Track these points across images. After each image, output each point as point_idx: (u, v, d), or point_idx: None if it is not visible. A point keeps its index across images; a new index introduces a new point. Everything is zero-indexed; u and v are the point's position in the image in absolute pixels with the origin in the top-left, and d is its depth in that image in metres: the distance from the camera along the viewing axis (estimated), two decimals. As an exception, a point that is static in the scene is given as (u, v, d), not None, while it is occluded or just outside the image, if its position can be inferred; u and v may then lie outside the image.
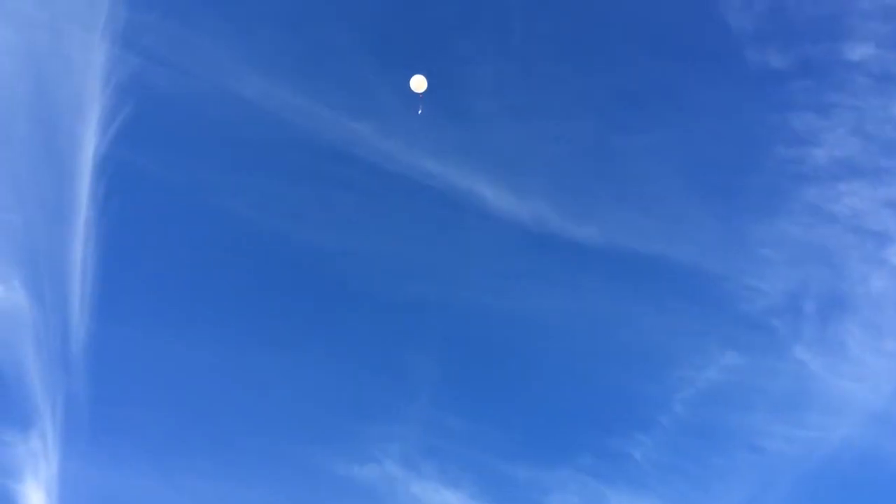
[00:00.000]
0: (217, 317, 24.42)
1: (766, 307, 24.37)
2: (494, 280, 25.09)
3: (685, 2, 24.60)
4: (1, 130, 22.30)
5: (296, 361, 24.67)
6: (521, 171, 25.16)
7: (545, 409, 24.95)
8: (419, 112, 19.63)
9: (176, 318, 24.13)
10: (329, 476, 23.98)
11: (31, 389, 22.69)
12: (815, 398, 24.06)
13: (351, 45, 24.47)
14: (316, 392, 24.62)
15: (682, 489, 24.10)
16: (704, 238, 24.82)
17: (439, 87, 24.77)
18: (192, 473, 23.53)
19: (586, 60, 24.87)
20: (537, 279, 25.10)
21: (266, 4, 24.27)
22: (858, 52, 23.48)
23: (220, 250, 24.41)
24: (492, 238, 25.08)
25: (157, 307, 24.07)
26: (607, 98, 25.06)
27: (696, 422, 24.34)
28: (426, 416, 24.42)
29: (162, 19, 23.33)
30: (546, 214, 24.91)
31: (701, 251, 24.75)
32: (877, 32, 23.39)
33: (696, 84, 24.72)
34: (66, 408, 22.95)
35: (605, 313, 25.00)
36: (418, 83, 18.48)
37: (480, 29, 24.63)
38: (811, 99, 24.01)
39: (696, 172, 24.91)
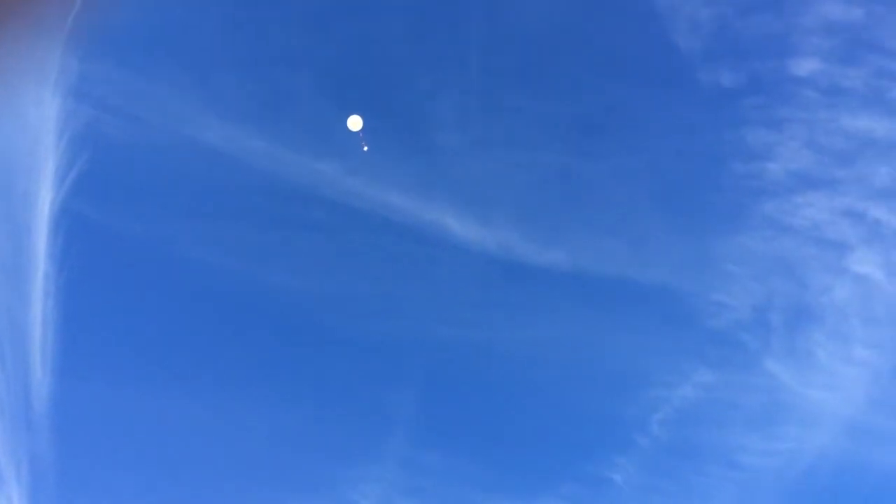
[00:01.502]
0: (183, 367, 24.02)
1: (734, 322, 24.68)
2: (464, 312, 25.09)
3: (635, 27, 25.11)
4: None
5: (267, 407, 24.32)
6: (487, 201, 25.35)
7: (523, 439, 24.87)
8: (364, 149, 20.55)
9: (141, 372, 23.70)
10: (308, 523, 23.55)
11: (-5, 453, 22.07)
12: (788, 410, 24.34)
13: (310, 85, 24.57)
14: (290, 437, 24.27)
15: (665, 510, 24.10)
16: (670, 257, 25.14)
17: (401, 123, 25.08)
18: (166, 529, 22.96)
19: (544, 90, 25.25)
20: (508, 308, 25.17)
21: (222, 50, 24.28)
22: (805, 67, 24.13)
23: (185, 299, 24.11)
24: (460, 270, 25.13)
25: (120, 362, 23.63)
26: (567, 126, 25.43)
27: (674, 441, 24.44)
28: (404, 455, 24.18)
29: (115, 69, 23.21)
30: (513, 243, 25.08)
31: (667, 270, 25.06)
32: (821, 47, 24.08)
33: (652, 107, 25.21)
34: (32, 469, 22.32)
35: (577, 338, 25.11)
36: (354, 122, 19.33)
37: (439, 64, 24.94)
38: (763, 115, 24.58)
39: (658, 193, 25.30)
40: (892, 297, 24.15)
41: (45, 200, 22.53)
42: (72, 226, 22.81)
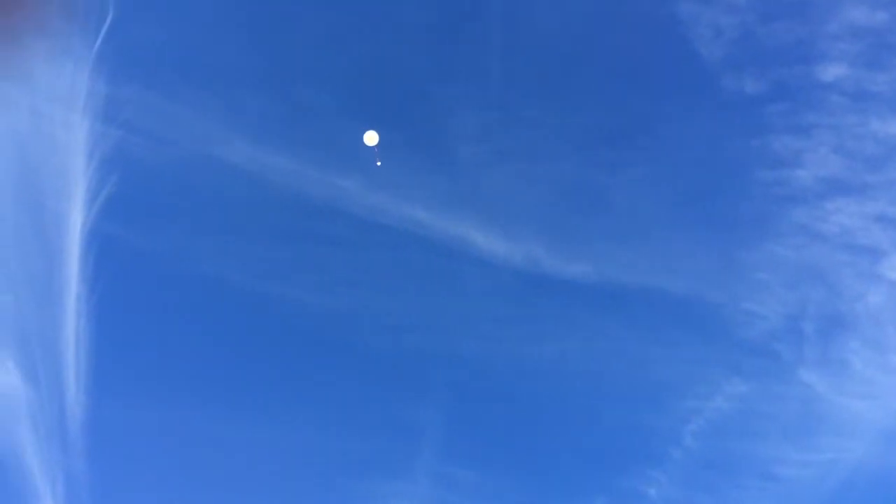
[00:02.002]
0: (214, 384, 24.15)
1: (767, 331, 24.30)
2: (491, 326, 24.97)
3: (657, 36, 25.03)
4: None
5: (297, 424, 24.28)
6: (511, 214, 25.29)
7: (554, 453, 24.58)
8: (378, 164, 21.22)
9: (172, 389, 23.83)
10: (339, 540, 23.48)
11: (30, 470, 22.30)
12: (824, 420, 23.83)
13: (331, 102, 24.78)
14: (319, 454, 24.24)
15: (700, 524, 23.67)
16: (698, 267, 24.85)
17: (422, 137, 25.18)
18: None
19: (565, 101, 25.23)
20: (535, 321, 25.00)
21: (244, 70, 24.59)
22: (831, 72, 23.88)
23: (214, 317, 24.29)
24: (486, 283, 25.04)
25: (152, 379, 23.78)
26: (590, 136, 25.35)
27: (709, 453, 24.02)
28: (434, 470, 24.00)
29: (142, 92, 23.59)
30: (538, 255, 24.94)
31: (695, 280, 24.76)
32: (848, 52, 23.83)
33: (675, 116, 25.06)
34: (67, 487, 22.53)
35: (606, 350, 24.85)
36: (370, 138, 19.64)
37: (459, 78, 25.01)
38: (789, 121, 24.33)
39: (683, 203, 25.08)
40: (928, 303, 23.68)
41: (76, 222, 22.94)
42: (102, 246, 23.19)
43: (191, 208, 24.15)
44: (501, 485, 24.09)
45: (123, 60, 23.22)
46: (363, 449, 24.26)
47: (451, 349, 24.82)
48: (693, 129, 24.91)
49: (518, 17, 24.75)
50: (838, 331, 24.03)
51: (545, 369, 24.76)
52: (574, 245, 25.16)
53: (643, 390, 24.50)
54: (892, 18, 23.58)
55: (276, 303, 24.51)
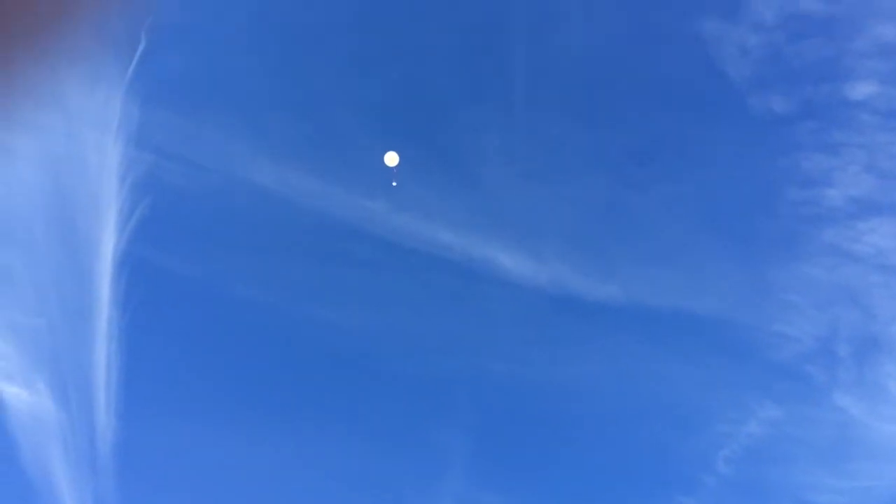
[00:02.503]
0: (244, 405, 24.21)
1: (799, 354, 23.91)
2: (519, 348, 24.84)
3: (683, 55, 24.96)
4: (23, 237, 22.66)
5: (326, 445, 24.29)
6: (537, 235, 25.21)
7: (583, 477, 24.28)
8: (394, 184, 21.49)
9: (202, 411, 23.94)
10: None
11: (60, 493, 22.40)
12: (859, 445, 23.34)
13: (359, 124, 24.97)
14: (349, 475, 24.15)
15: (734, 552, 23.21)
16: (727, 288, 24.56)
17: (448, 159, 25.23)
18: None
19: (592, 121, 25.20)
20: (563, 343, 24.84)
21: (272, 94, 24.90)
22: (861, 90, 23.60)
23: (243, 339, 24.39)
24: (513, 305, 24.94)
25: (182, 401, 23.91)
26: (616, 156, 25.27)
27: (742, 479, 23.60)
28: (460, 493, 23.81)
29: (173, 116, 23.94)
30: (566, 277, 24.82)
31: (725, 301, 24.46)
32: (878, 70, 23.56)
33: (702, 135, 24.91)
34: (97, 510, 22.63)
35: (635, 373, 24.58)
36: (391, 158, 19.76)
37: (484, 99, 25.09)
38: (818, 140, 24.05)
39: (712, 223, 24.87)
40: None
41: (108, 245, 23.21)
42: (134, 269, 23.43)
43: (220, 231, 24.42)
44: (530, 509, 23.89)
45: (155, 86, 23.61)
46: (390, 470, 24.19)
47: (477, 371, 24.76)
48: (721, 148, 24.78)
49: (542, 38, 24.81)
50: (873, 353, 23.63)
51: (573, 392, 24.59)
52: (601, 266, 25.04)
53: (673, 414, 24.23)
54: (922, 36, 23.31)
55: (304, 324, 24.64)
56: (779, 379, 23.88)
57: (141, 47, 23.37)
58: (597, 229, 25.32)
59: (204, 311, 24.24)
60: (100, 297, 23.03)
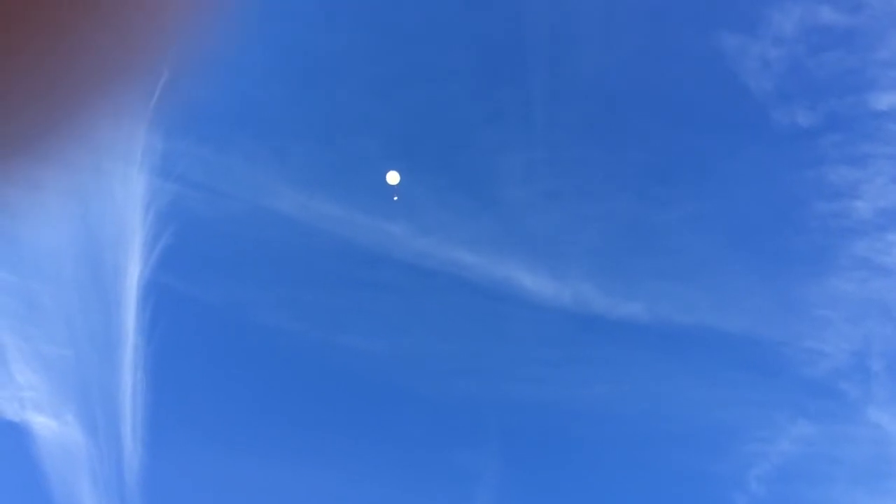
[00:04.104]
0: (270, 432, 24.20)
1: (832, 370, 23.39)
2: (543, 368, 24.60)
3: (704, 71, 24.77)
4: (50, 269, 22.98)
5: (353, 471, 24.17)
6: (560, 254, 25.04)
7: (612, 499, 23.90)
8: (395, 199, 22.13)
9: (228, 439, 23.96)
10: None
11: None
12: (897, 463, 22.73)
13: (380, 149, 25.06)
14: (375, 500, 24.00)
15: (770, 575, 22.63)
16: (755, 304, 24.17)
17: (469, 180, 25.22)
18: None
19: (613, 140, 25.06)
20: (587, 363, 24.57)
21: (292, 121, 25.09)
22: (885, 100, 23.25)
23: (268, 365, 24.45)
24: (537, 325, 24.73)
25: (208, 429, 23.97)
26: (638, 174, 25.08)
27: (775, 499, 23.07)
28: (489, 517, 23.54)
29: (196, 146, 24.21)
30: (588, 296, 24.60)
31: (753, 318, 24.06)
32: (901, 80, 23.20)
33: (725, 150, 24.67)
34: (125, 539, 22.65)
35: (662, 392, 24.21)
36: (393, 177, 20.36)
37: (504, 120, 25.10)
38: (844, 152, 23.68)
39: (737, 239, 24.53)
40: None
41: (133, 274, 23.42)
42: (159, 298, 23.60)
43: (244, 258, 24.56)
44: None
45: (178, 116, 23.91)
46: (416, 494, 23.99)
47: (502, 392, 24.55)
48: (745, 163, 24.50)
49: (562, 57, 24.79)
50: (908, 368, 23.06)
51: (599, 413, 24.28)
52: (625, 284, 24.78)
53: (703, 434, 23.81)
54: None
55: (328, 350, 24.65)
56: (811, 396, 23.44)
57: (164, 78, 23.75)
58: (620, 248, 25.13)
59: (228, 338, 24.40)
60: (126, 327, 23.25)
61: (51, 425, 22.62)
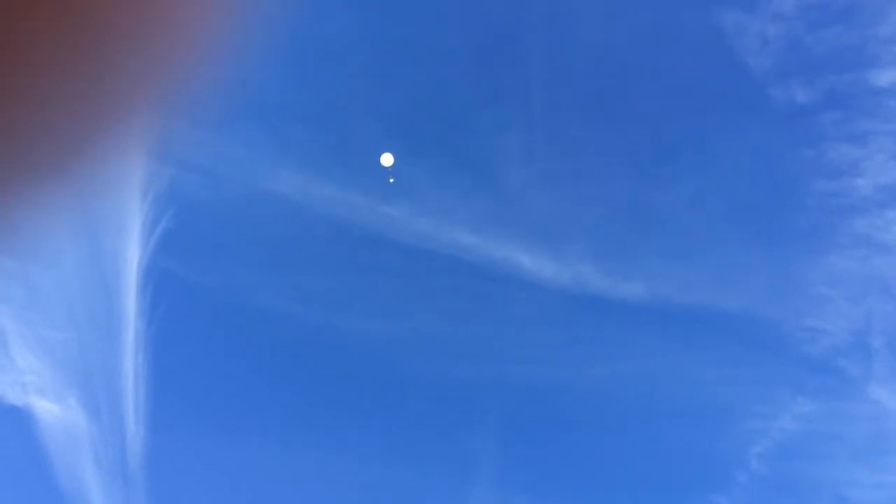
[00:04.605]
0: (272, 416, 24.31)
1: (831, 347, 23.41)
2: (543, 349, 24.65)
3: (702, 49, 24.64)
4: (50, 255, 22.97)
5: (352, 453, 24.30)
6: (559, 235, 25.02)
7: (613, 479, 24.02)
8: (391, 181, 22.13)
9: (230, 422, 24.08)
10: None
11: (93, 505, 22.68)
12: (897, 439, 22.79)
13: (377, 131, 24.97)
14: (375, 483, 24.13)
15: (770, 551, 22.77)
16: (755, 283, 24.17)
17: (467, 162, 25.18)
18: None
19: (611, 119, 24.98)
20: (587, 343, 24.61)
21: (292, 105, 25.01)
22: (886, 77, 23.10)
23: (268, 348, 24.53)
24: (536, 306, 24.77)
25: (210, 412, 24.08)
26: (637, 154, 25.00)
27: (776, 476, 23.16)
28: (488, 497, 23.68)
29: (192, 129, 24.11)
30: (588, 276, 24.59)
31: (753, 297, 24.06)
32: (901, 56, 23.05)
33: (724, 129, 24.58)
34: (128, 522, 22.84)
35: (662, 372, 24.28)
36: (387, 159, 20.38)
37: (502, 102, 25.02)
38: (844, 130, 23.57)
39: (736, 217, 24.49)
40: None
41: (132, 258, 23.46)
42: (159, 282, 23.62)
43: (243, 241, 24.55)
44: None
45: (176, 100, 23.83)
46: (416, 477, 24.13)
47: (502, 374, 24.61)
48: (744, 141, 24.41)
49: (558, 37, 24.66)
50: (908, 345, 23.07)
51: (600, 393, 24.35)
52: (625, 264, 24.77)
53: (703, 412, 23.88)
54: (948, 19, 22.78)
55: (329, 332, 24.71)
56: (811, 374, 23.47)
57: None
58: (618, 227, 25.10)
59: (228, 321, 24.45)
60: (126, 310, 23.32)
61: (53, 409, 22.78)
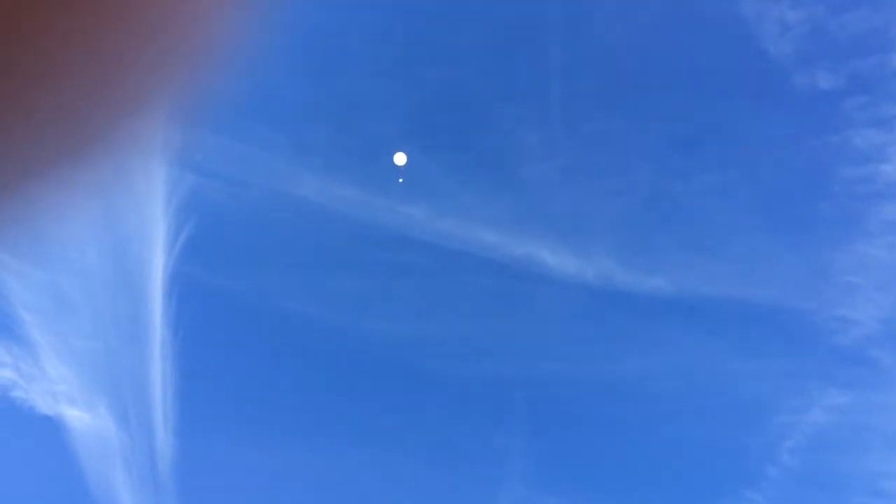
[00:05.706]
0: (299, 419, 24.42)
1: (863, 337, 22.99)
2: (569, 346, 24.50)
3: (721, 37, 24.28)
4: (77, 265, 23.24)
5: (384, 455, 24.35)
6: (581, 230, 24.85)
7: (643, 475, 23.82)
8: (400, 181, 22.43)
9: (258, 425, 24.19)
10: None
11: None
12: (934, 429, 22.36)
13: (396, 131, 24.92)
14: (408, 484, 24.15)
15: (805, 545, 22.47)
16: (782, 273, 23.82)
17: (488, 159, 25.04)
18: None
19: (631, 111, 24.73)
20: (613, 339, 24.43)
21: (310, 107, 25.00)
22: (911, 60, 22.64)
23: (294, 352, 24.61)
24: (561, 303, 24.61)
25: (238, 416, 24.22)
26: (659, 146, 24.74)
27: (809, 470, 22.82)
28: (520, 498, 23.57)
29: (212, 136, 24.19)
30: (612, 272, 24.38)
31: (780, 287, 23.71)
32: (927, 38, 22.57)
33: (747, 117, 24.21)
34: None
35: (690, 366, 24.02)
36: (399, 158, 20.56)
37: (520, 97, 24.82)
38: (869, 115, 23.10)
39: (762, 207, 24.14)
40: None
41: (157, 266, 23.63)
42: (184, 289, 23.79)
43: (266, 245, 24.66)
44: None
45: (195, 107, 23.89)
46: (447, 477, 24.11)
47: (529, 372, 24.48)
48: (767, 129, 24.04)
49: (576, 29, 24.43)
50: (942, 332, 22.62)
51: (627, 389, 24.14)
52: (649, 258, 24.53)
53: (733, 406, 23.59)
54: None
55: (353, 334, 24.73)
56: (843, 365, 23.08)
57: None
58: (642, 221, 24.84)
59: (254, 325, 24.57)
60: (153, 317, 23.50)
61: (84, 418, 23.00)
